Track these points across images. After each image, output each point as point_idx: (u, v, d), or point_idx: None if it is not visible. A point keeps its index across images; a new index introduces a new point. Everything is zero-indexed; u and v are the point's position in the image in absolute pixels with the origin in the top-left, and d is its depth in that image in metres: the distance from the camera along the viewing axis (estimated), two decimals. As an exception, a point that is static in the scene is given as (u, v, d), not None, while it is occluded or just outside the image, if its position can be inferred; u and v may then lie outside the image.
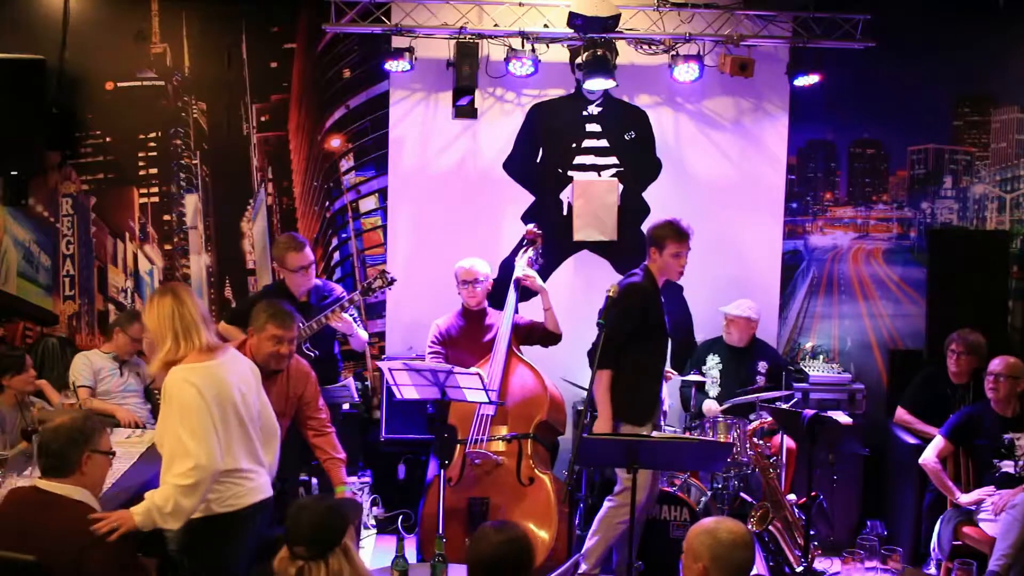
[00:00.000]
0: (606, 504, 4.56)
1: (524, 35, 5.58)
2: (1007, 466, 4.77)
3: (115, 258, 6.15)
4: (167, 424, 3.30)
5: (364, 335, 5.24)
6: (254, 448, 3.56)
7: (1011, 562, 4.34)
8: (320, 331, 4.98)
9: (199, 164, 6.14)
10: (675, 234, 4.55)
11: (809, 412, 4.33)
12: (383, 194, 6.14)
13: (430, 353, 5.15)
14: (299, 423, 4.42)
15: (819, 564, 4.88)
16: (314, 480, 5.10)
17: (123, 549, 3.11)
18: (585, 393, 4.74)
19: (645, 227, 4.89)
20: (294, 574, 2.63)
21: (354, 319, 5.08)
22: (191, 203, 6.16)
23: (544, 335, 5.19)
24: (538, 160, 6.12)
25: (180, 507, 3.19)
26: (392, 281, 5.07)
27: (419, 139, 6.06)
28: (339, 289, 5.37)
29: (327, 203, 6.17)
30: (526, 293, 5.33)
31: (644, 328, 4.48)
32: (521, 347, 5.17)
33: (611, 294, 4.33)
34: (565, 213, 6.08)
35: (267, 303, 4.24)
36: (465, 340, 5.16)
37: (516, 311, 5.19)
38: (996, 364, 4.88)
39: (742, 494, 5.10)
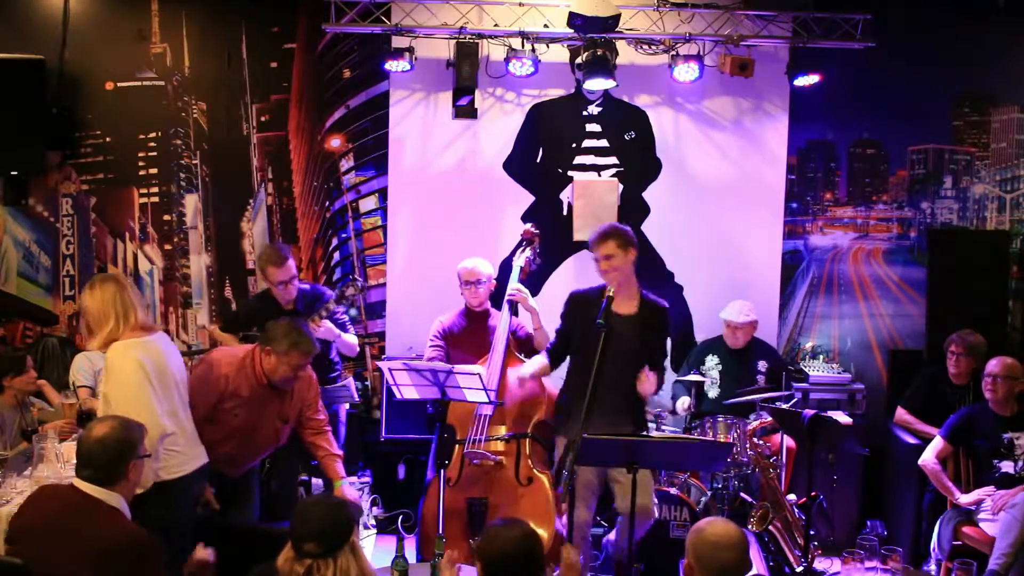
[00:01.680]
0: None
1: (524, 35, 5.58)
2: (1007, 466, 4.77)
3: (115, 258, 6.15)
4: (111, 393, 3.63)
5: (353, 340, 5.20)
6: (189, 421, 3.85)
7: (1011, 561, 4.34)
8: None
9: (199, 164, 6.14)
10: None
11: (809, 412, 4.32)
12: (383, 194, 6.14)
13: (431, 346, 5.12)
14: (296, 425, 4.42)
15: (819, 564, 4.88)
16: (316, 480, 5.11)
17: (161, 569, 3.11)
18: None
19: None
20: (302, 573, 2.62)
21: (337, 323, 5.08)
22: (191, 203, 6.16)
23: (532, 352, 5.15)
24: (538, 160, 6.12)
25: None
26: (363, 287, 5.14)
27: (419, 139, 6.06)
28: (329, 293, 5.33)
29: (327, 203, 6.17)
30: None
31: (578, 337, 4.44)
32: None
33: (610, 294, 4.32)
34: (565, 213, 6.09)
35: (292, 327, 4.17)
36: (467, 339, 5.15)
37: (516, 313, 5.18)
38: (993, 366, 4.87)
39: (742, 494, 5.10)
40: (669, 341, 4.79)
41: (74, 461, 3.20)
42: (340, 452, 4.47)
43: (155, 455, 3.56)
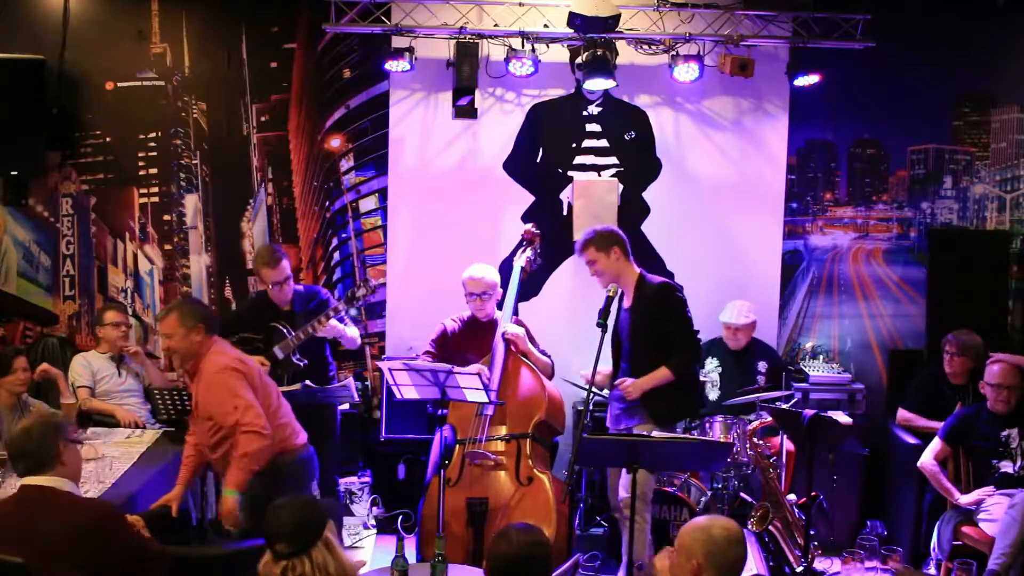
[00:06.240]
0: None
1: (524, 35, 5.58)
2: (1006, 466, 4.76)
3: (115, 258, 6.15)
4: None
5: (354, 333, 5.24)
6: None
7: (1011, 561, 4.33)
8: (308, 339, 5.02)
9: (199, 164, 6.14)
10: None
11: (809, 412, 4.32)
12: (383, 194, 6.14)
13: (424, 352, 5.09)
14: None
15: (819, 564, 4.88)
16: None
17: (135, 536, 3.13)
18: (585, 393, 4.73)
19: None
20: (279, 574, 2.62)
21: (340, 320, 5.08)
22: (191, 203, 6.16)
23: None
24: (538, 160, 6.12)
25: None
26: (374, 288, 5.05)
27: (419, 139, 6.06)
28: (324, 291, 5.39)
29: (327, 203, 6.17)
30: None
31: None
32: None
33: (611, 294, 4.32)
34: (565, 213, 6.08)
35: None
36: (472, 344, 5.09)
37: (516, 312, 5.17)
38: (995, 376, 4.79)
39: (742, 494, 5.10)
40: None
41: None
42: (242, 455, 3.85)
43: None
